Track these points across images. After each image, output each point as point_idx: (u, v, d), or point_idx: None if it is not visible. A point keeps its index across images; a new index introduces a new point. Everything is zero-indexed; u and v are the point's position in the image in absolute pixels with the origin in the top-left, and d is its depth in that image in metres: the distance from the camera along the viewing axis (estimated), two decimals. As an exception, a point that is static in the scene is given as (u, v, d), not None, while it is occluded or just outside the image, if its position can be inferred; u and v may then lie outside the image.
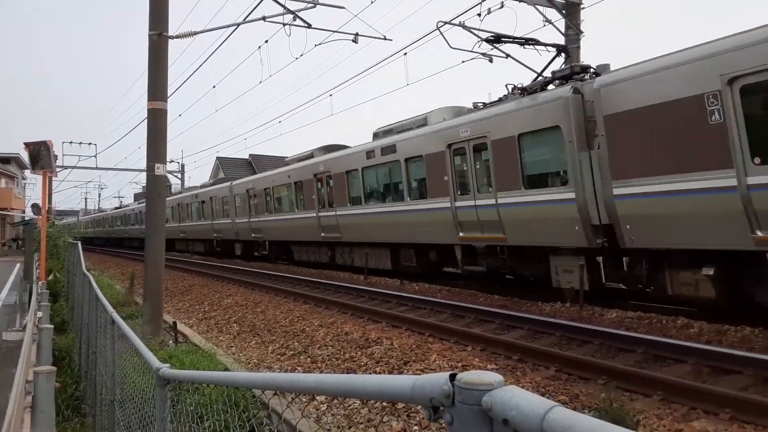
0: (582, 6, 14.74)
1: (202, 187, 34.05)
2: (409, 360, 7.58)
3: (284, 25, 12.99)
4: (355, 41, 14.80)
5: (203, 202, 30.99)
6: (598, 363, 6.72)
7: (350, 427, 5.70)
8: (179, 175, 49.36)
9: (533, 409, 0.79)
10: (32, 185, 62.59)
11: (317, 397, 6.39)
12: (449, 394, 0.92)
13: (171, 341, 10.01)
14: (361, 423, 5.77)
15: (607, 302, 10.31)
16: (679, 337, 7.67)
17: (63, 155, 38.10)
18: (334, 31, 14.61)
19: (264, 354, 9.15)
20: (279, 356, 8.92)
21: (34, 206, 22.63)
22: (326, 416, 6.06)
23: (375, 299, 12.74)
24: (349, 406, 6.17)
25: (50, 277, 15.02)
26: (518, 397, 0.82)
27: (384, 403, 5.97)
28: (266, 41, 14.99)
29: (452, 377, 0.94)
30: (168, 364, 2.61)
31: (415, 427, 5.38)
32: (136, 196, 64.01)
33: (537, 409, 0.79)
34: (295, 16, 12.89)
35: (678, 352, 6.85)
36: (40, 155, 11.64)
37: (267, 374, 1.41)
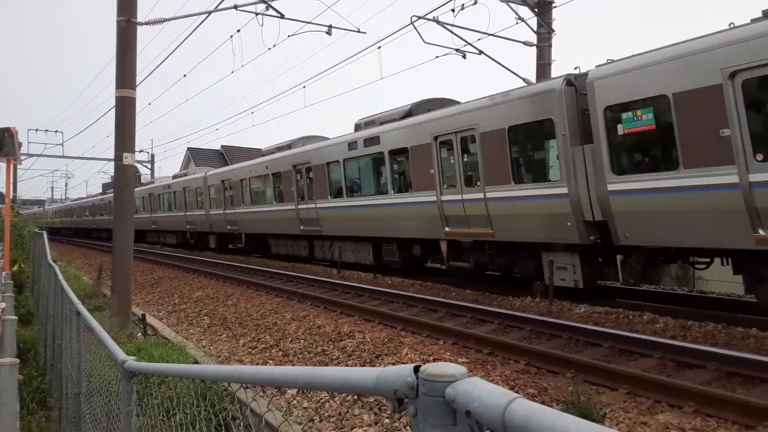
0: (554, 5, 14.89)
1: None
2: (381, 354, 7.59)
3: (257, 14, 12.86)
4: (328, 33, 14.74)
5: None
6: (566, 357, 6.83)
7: (321, 421, 5.69)
8: (149, 165, 48.58)
9: (495, 401, 0.79)
10: (-4, 173, 60.93)
11: (288, 391, 6.37)
12: (413, 386, 0.92)
13: (140, 334, 9.87)
14: (332, 417, 5.77)
15: (592, 299, 10.27)
16: (644, 332, 7.83)
17: (28, 143, 37.25)
18: (308, 23, 14.51)
19: (235, 347, 9.08)
20: (250, 350, 8.86)
21: (-2, 195, 22.04)
22: (297, 410, 6.04)
23: (348, 293, 12.73)
24: (319, 399, 6.16)
25: (15, 268, 14.66)
26: (480, 389, 0.83)
27: (354, 396, 5.98)
28: (238, 30, 14.79)
29: (416, 369, 0.94)
30: (133, 357, 2.57)
31: (386, 420, 5.40)
32: (105, 186, 62.77)
33: (499, 401, 0.79)
34: (268, 6, 12.76)
35: (644, 346, 6.99)
36: (4, 142, 11.31)
37: (232, 367, 1.40)
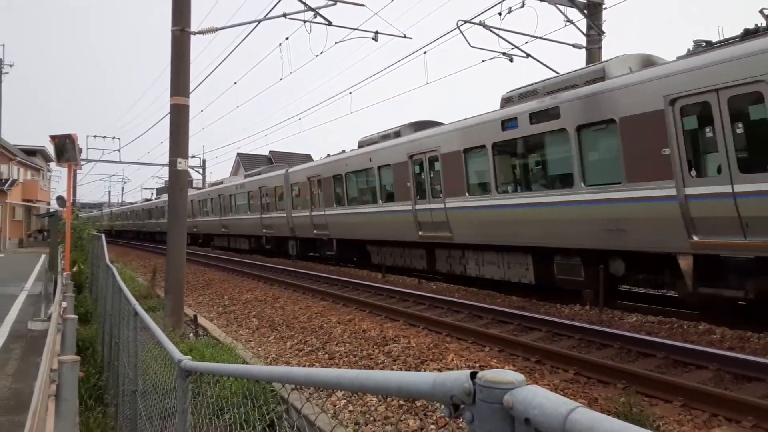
0: (604, 6, 14.59)
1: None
2: (426, 359, 7.57)
3: (305, 22, 13.05)
4: (375, 39, 14.82)
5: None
6: (617, 367, 6.66)
7: (367, 424, 5.72)
8: (200, 171, 49.91)
9: (556, 409, 0.79)
10: (57, 177, 63.79)
11: (335, 394, 6.42)
12: (470, 391, 0.93)
13: (192, 334, 10.13)
14: (378, 420, 5.79)
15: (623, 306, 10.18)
16: (700, 343, 7.56)
17: (87, 149, 38.78)
18: (355, 29, 14.64)
19: (282, 349, 9.22)
20: (297, 351, 8.98)
21: (59, 198, 23.06)
22: (343, 413, 6.08)
23: (392, 297, 12.76)
24: (366, 402, 6.19)
25: (74, 269, 15.28)
26: (541, 397, 0.82)
27: (401, 401, 5.98)
28: (287, 38, 15.09)
29: (473, 375, 0.94)
30: (189, 356, 2.64)
31: (432, 426, 5.38)
32: (159, 191, 64.71)
33: (560, 409, 0.78)
34: (316, 14, 12.94)
35: (699, 357, 6.76)
36: (66, 148, 11.84)
37: (287, 368, 1.42)
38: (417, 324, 9.92)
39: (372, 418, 5.85)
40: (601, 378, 6.55)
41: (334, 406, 6.28)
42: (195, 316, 11.15)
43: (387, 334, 8.93)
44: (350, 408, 6.16)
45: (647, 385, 6.04)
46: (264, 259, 25.26)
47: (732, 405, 5.30)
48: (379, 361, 7.87)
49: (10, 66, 38.07)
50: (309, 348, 9.04)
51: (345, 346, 8.79)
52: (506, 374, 0.90)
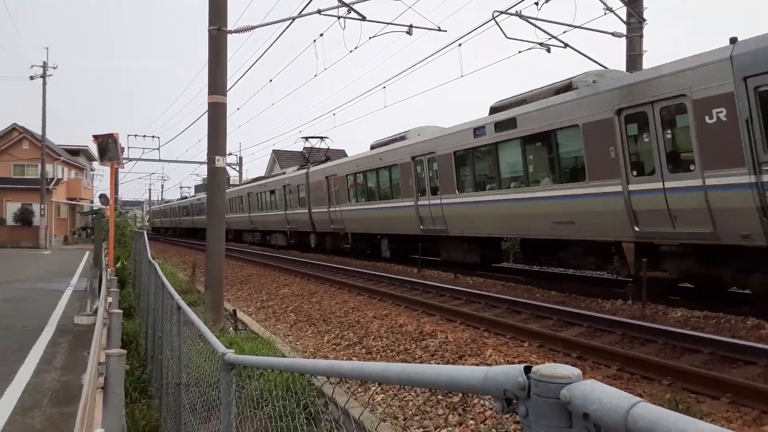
0: (646, -8, 14.19)
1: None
2: (464, 354, 7.53)
3: (339, 18, 13.06)
4: (409, 33, 14.74)
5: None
6: (662, 363, 6.49)
7: (405, 419, 5.72)
8: (237, 168, 50.67)
9: (617, 404, 0.76)
10: (100, 176, 65.59)
11: (371, 389, 6.44)
12: (524, 386, 0.91)
13: (231, 328, 10.30)
14: (416, 416, 5.78)
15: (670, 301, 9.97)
16: (749, 338, 7.31)
17: (128, 148, 39.73)
18: (389, 23, 14.58)
19: (320, 343, 9.30)
20: (335, 346, 9.04)
21: (102, 196, 23.71)
22: (380, 407, 6.10)
23: (429, 292, 12.72)
24: (404, 397, 6.19)
25: (118, 265, 15.71)
26: (600, 391, 0.80)
27: (440, 397, 5.96)
28: (321, 34, 15.11)
29: (527, 369, 0.92)
30: (233, 350, 2.68)
31: (471, 422, 5.35)
32: (197, 188, 65.80)
33: (621, 404, 0.76)
34: (350, 9, 12.94)
35: (748, 353, 6.54)
36: (108, 147, 12.17)
37: (332, 361, 1.43)
38: (454, 319, 9.87)
39: (410, 413, 5.84)
40: (645, 374, 6.40)
41: (372, 400, 6.30)
42: (234, 311, 11.33)
43: (424, 329, 8.91)
44: (388, 402, 6.18)
45: (694, 382, 5.87)
46: (299, 254, 25.52)
47: (784, 402, 5.12)
48: (417, 356, 7.86)
49: (54, 68, 39.13)
50: (346, 342, 9.09)
51: (382, 340, 8.81)
52: (562, 368, 0.88)
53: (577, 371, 0.88)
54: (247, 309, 13.32)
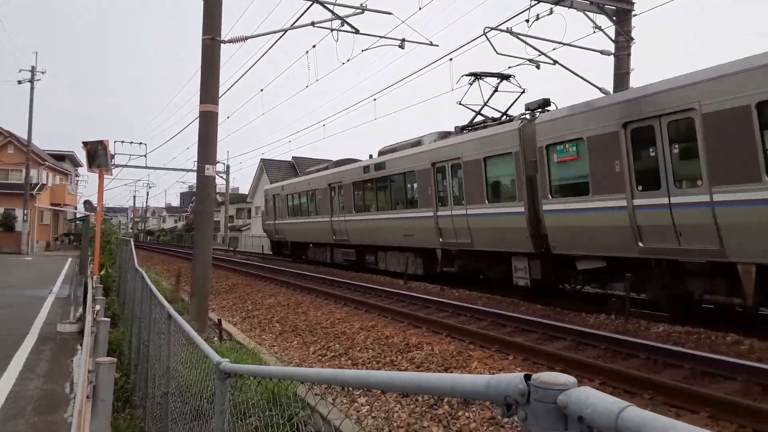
0: (633, 13, 14.53)
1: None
2: (449, 366, 7.60)
3: (332, 30, 13.20)
4: (401, 47, 14.92)
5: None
6: (643, 377, 6.61)
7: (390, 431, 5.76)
8: (224, 176, 50.48)
9: (608, 408, 0.85)
10: (84, 182, 64.96)
11: (357, 400, 6.48)
12: (525, 392, 0.99)
13: (216, 338, 10.27)
14: (401, 427, 5.82)
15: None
16: (728, 354, 7.46)
17: (114, 154, 39.37)
18: (381, 37, 14.76)
19: (306, 354, 9.31)
20: (320, 357, 9.06)
21: (87, 203, 23.55)
22: (367, 419, 6.13)
23: (415, 304, 12.79)
24: (388, 409, 6.23)
25: (102, 272, 15.59)
26: (594, 397, 0.88)
27: (425, 408, 6.01)
28: (314, 46, 15.25)
29: (527, 377, 1.01)
30: (227, 359, 2.73)
31: (457, 433, 5.40)
32: (182, 195, 65.46)
33: (612, 408, 0.84)
34: (343, 22, 13.08)
35: (728, 368, 6.68)
36: (97, 154, 12.11)
37: (334, 370, 1.48)
38: (440, 331, 9.94)
39: (396, 425, 5.89)
40: (627, 388, 6.51)
41: (357, 412, 6.33)
42: (219, 321, 11.30)
43: (410, 341, 8.97)
44: (373, 414, 6.21)
45: (674, 396, 5.99)
46: (286, 264, 25.46)
47: (761, 417, 5.23)
48: (403, 368, 7.91)
49: (42, 73, 38.85)
50: (332, 353, 9.12)
51: (368, 352, 8.85)
52: (560, 376, 0.97)
53: (573, 379, 0.96)
54: (232, 319, 13.28)
